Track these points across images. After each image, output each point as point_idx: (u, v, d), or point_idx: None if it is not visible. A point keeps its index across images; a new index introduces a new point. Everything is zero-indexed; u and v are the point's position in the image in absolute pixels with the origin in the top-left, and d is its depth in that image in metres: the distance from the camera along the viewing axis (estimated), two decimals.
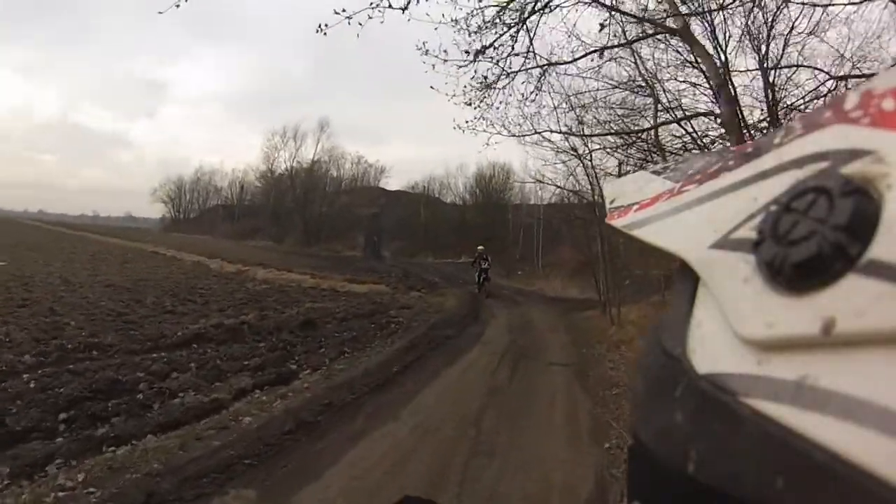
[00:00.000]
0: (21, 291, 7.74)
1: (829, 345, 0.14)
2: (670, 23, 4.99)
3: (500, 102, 5.89)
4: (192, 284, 10.35)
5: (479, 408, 4.42)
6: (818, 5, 4.97)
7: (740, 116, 5.13)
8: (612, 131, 7.37)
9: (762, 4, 5.23)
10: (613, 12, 5.39)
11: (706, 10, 5.41)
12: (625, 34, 5.75)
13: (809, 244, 0.15)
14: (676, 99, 6.57)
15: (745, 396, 0.16)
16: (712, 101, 5.71)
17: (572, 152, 8.85)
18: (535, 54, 5.57)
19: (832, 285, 0.15)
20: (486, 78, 5.60)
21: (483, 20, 5.26)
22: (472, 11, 5.21)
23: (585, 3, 5.30)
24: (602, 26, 5.44)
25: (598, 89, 6.73)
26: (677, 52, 6.09)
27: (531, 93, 5.95)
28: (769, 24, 5.40)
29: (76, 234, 30.53)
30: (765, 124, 5.52)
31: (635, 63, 6.58)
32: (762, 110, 5.79)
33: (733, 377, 0.16)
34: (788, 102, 5.54)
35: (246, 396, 4.22)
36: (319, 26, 4.83)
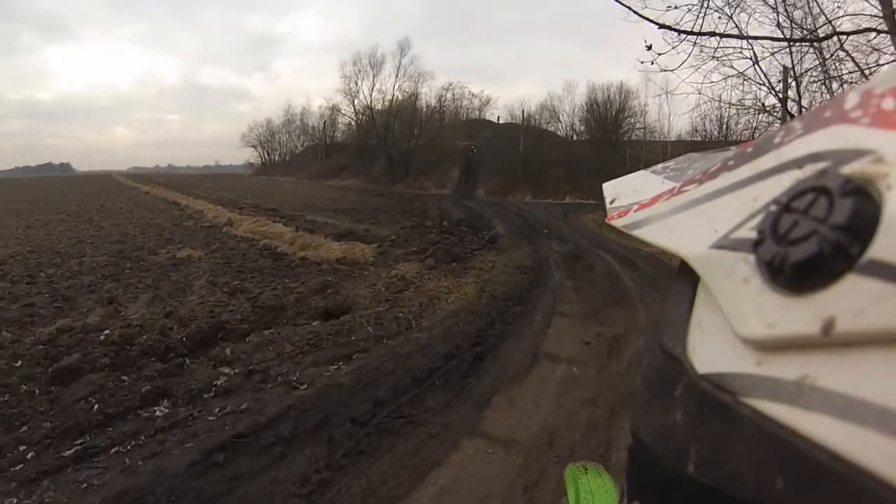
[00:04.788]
0: None
1: (828, 345, 0.14)
2: None
3: None
4: (85, 251, 7.62)
5: None
6: None
7: None
8: None
9: None
10: None
11: None
12: None
13: (809, 244, 0.15)
14: None
15: (745, 396, 0.16)
16: None
17: None
18: None
19: (832, 285, 0.15)
20: None
21: None
22: None
23: None
24: None
25: None
26: None
27: None
28: None
29: (131, 186, 29.56)
30: None
31: None
32: None
33: (733, 377, 0.17)
34: None
35: None
36: None
